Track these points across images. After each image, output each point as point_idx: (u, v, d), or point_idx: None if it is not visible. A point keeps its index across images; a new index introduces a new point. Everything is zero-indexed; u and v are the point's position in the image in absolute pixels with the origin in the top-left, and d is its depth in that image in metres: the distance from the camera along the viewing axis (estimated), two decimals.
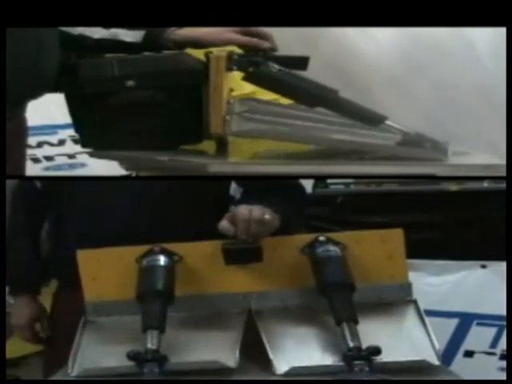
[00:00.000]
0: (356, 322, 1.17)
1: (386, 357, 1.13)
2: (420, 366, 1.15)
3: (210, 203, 1.47)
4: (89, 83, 1.37)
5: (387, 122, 1.34)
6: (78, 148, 2.21)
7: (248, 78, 1.36)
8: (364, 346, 1.13)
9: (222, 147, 1.39)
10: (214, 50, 1.37)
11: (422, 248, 1.77)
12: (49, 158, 2.70)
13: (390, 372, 1.11)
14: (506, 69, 1.92)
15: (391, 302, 1.30)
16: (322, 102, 1.35)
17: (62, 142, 2.71)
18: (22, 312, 1.58)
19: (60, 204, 1.52)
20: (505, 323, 2.24)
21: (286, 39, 1.47)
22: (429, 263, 2.35)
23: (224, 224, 1.26)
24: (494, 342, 2.33)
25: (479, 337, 2.36)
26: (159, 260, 1.29)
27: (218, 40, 1.40)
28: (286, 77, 1.36)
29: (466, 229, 2.48)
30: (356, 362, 1.11)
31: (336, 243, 1.29)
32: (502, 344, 2.31)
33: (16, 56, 1.28)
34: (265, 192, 1.37)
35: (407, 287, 1.31)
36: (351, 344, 1.13)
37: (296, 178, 1.50)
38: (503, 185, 1.73)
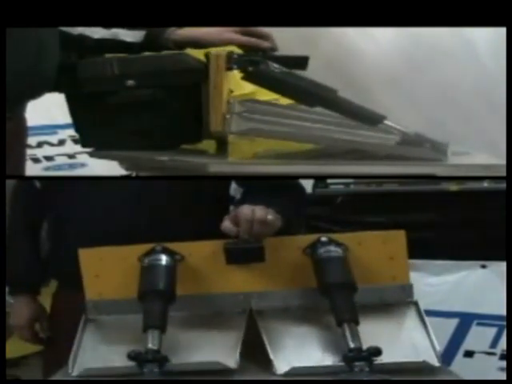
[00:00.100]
0: (357, 323, 1.17)
1: (386, 358, 1.13)
2: (420, 367, 1.15)
3: (210, 203, 1.47)
4: (89, 83, 1.37)
5: (386, 122, 1.34)
6: (78, 148, 2.21)
7: (247, 78, 1.36)
8: (364, 346, 1.13)
9: (222, 147, 1.39)
10: (214, 50, 1.37)
11: (422, 248, 1.77)
12: (49, 158, 2.70)
13: (390, 373, 1.11)
14: (506, 69, 1.92)
15: (392, 303, 1.30)
16: (321, 101, 1.35)
17: (62, 142, 2.71)
18: (22, 312, 1.58)
19: (60, 204, 1.52)
20: (505, 323, 2.24)
21: (286, 39, 1.47)
22: (429, 263, 2.35)
23: (227, 224, 1.26)
24: (494, 342, 2.33)
25: (479, 337, 2.36)
26: (161, 259, 1.29)
27: (218, 40, 1.40)
28: (285, 76, 1.35)
29: (466, 229, 2.48)
30: (356, 363, 1.11)
31: (338, 244, 1.29)
32: (502, 344, 2.31)
33: (16, 56, 1.28)
34: (265, 192, 1.37)
35: (408, 289, 1.31)
36: (352, 345, 1.13)
37: (296, 177, 1.50)
38: (503, 185, 1.73)
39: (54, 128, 2.67)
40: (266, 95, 1.42)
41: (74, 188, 1.50)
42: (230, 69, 1.35)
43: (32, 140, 2.49)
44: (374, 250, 1.30)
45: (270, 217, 1.26)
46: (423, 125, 1.46)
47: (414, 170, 1.37)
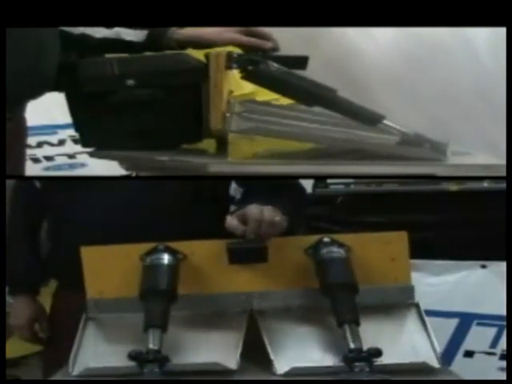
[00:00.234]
0: (358, 324, 1.17)
1: (386, 359, 1.13)
2: (420, 369, 1.16)
3: (210, 203, 1.47)
4: (89, 82, 1.37)
5: (385, 122, 1.34)
6: (78, 148, 2.22)
7: (247, 77, 1.36)
8: (365, 347, 1.13)
9: (222, 147, 1.39)
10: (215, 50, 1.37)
11: (422, 248, 1.77)
12: (49, 158, 2.70)
13: (390, 373, 1.11)
14: (506, 69, 1.92)
15: (393, 304, 1.30)
16: (320, 100, 1.35)
17: (62, 142, 2.71)
18: (21, 312, 1.58)
19: (60, 204, 1.52)
20: (505, 323, 2.24)
21: (286, 39, 1.47)
22: (429, 263, 2.35)
23: (233, 222, 1.25)
24: (494, 342, 2.33)
25: (479, 337, 2.35)
26: (163, 258, 1.28)
27: (219, 40, 1.40)
28: (285, 75, 1.36)
29: (466, 229, 2.48)
30: (356, 364, 1.11)
31: (340, 245, 1.29)
32: (502, 344, 2.31)
33: (16, 56, 1.28)
34: (265, 192, 1.37)
35: (410, 290, 1.31)
36: (352, 345, 1.13)
37: (296, 177, 1.50)
38: (503, 185, 1.72)
39: (53, 128, 2.66)
40: (266, 95, 1.42)
41: (73, 188, 1.50)
42: (229, 68, 1.35)
43: (32, 140, 2.49)
44: (376, 251, 1.30)
45: (277, 218, 1.26)
46: (423, 125, 1.46)
47: (413, 170, 1.37)
